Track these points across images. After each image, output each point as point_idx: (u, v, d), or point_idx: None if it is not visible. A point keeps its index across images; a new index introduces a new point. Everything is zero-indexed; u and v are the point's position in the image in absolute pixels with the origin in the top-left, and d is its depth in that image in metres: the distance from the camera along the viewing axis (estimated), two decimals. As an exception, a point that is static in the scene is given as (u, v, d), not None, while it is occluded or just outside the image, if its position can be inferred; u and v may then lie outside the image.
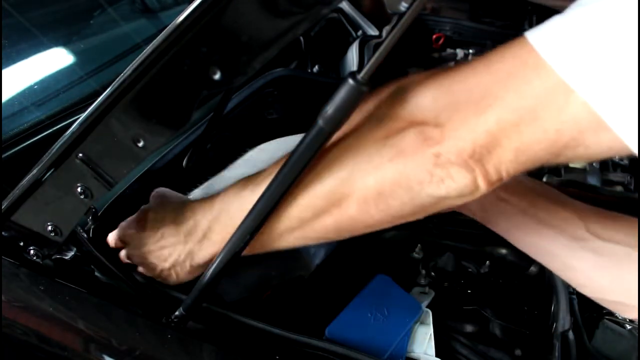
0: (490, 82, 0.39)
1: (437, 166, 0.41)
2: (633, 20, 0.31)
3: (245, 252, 0.53)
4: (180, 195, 0.66)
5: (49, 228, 0.56)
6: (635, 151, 0.33)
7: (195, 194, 0.78)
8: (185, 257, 0.58)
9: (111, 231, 0.67)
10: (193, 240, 0.57)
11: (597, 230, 0.54)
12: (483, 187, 0.41)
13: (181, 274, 0.60)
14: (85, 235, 0.64)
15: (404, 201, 0.44)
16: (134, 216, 0.64)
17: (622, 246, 0.52)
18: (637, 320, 0.53)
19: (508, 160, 0.39)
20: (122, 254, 0.65)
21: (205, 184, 0.80)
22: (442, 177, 0.41)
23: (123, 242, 0.64)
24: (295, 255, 0.73)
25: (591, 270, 0.54)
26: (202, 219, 0.56)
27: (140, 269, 0.63)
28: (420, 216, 0.46)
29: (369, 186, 0.45)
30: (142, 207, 0.64)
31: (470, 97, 0.40)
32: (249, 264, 0.72)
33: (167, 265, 0.60)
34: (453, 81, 0.42)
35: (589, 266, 0.54)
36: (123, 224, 0.65)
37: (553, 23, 0.36)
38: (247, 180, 0.54)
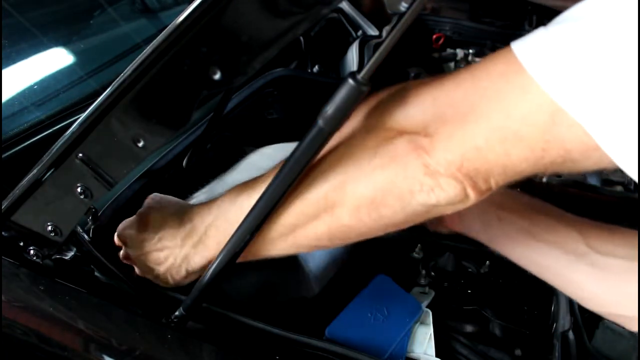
0: (477, 98, 0.39)
1: (427, 175, 0.41)
2: (623, 38, 0.31)
3: (238, 260, 0.53)
4: (177, 199, 0.66)
5: (49, 228, 0.56)
6: (624, 169, 0.33)
7: (199, 197, 0.78)
8: (181, 261, 0.58)
9: (111, 231, 0.67)
10: (189, 244, 0.57)
11: (596, 245, 0.54)
12: (473, 196, 0.41)
13: (177, 277, 0.60)
14: (85, 235, 0.64)
15: (396, 209, 0.44)
16: (134, 217, 0.64)
17: (621, 259, 0.52)
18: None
19: (496, 173, 0.40)
20: (121, 253, 0.65)
21: (207, 188, 0.80)
22: (432, 187, 0.41)
23: (122, 242, 0.64)
24: (300, 277, 0.73)
25: (592, 284, 0.54)
26: (200, 223, 0.57)
27: (137, 270, 0.63)
28: (412, 223, 0.46)
29: (360, 194, 0.45)
30: (142, 209, 0.64)
31: (458, 111, 0.40)
32: (251, 279, 0.72)
33: (162, 269, 0.60)
34: (441, 93, 0.42)
35: (590, 280, 0.54)
36: (123, 223, 0.64)
37: (541, 38, 0.36)
38: (244, 185, 0.55)
